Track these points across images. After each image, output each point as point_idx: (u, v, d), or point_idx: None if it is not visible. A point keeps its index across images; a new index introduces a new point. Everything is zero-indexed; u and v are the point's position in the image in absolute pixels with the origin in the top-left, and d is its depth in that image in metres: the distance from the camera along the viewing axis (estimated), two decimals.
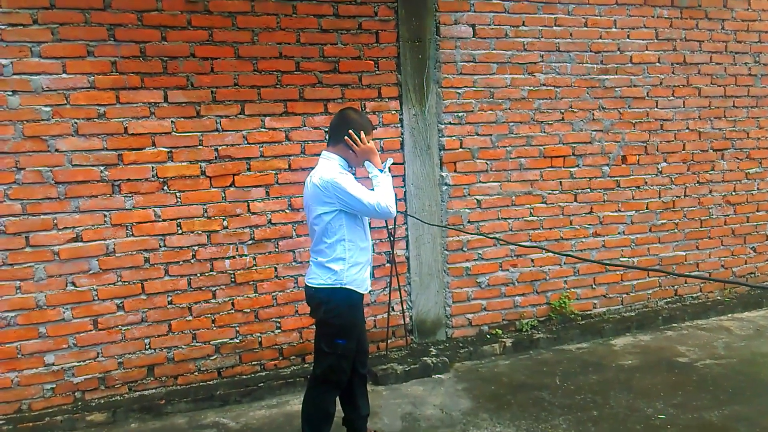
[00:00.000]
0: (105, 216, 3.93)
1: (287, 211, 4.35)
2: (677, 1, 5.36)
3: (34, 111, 3.74)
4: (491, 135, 4.89)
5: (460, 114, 4.79)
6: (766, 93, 5.77)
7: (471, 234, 4.83)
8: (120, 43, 3.89)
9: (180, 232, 4.10)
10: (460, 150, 4.82)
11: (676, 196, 5.55)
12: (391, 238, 4.46)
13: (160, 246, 4.06)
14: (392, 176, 3.18)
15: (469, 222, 4.88)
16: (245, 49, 4.16)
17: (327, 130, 3.13)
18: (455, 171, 4.82)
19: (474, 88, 4.81)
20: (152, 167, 4.01)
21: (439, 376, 4.42)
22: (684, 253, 5.63)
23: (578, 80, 5.10)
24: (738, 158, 5.74)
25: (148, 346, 4.09)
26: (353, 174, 3.11)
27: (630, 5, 5.22)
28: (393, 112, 4.59)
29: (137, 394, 4.08)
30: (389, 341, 4.68)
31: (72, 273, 3.89)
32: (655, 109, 5.39)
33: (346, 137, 3.01)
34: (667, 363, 4.51)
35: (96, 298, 3.95)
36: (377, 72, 4.52)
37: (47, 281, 3.84)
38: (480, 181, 4.90)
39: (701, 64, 5.50)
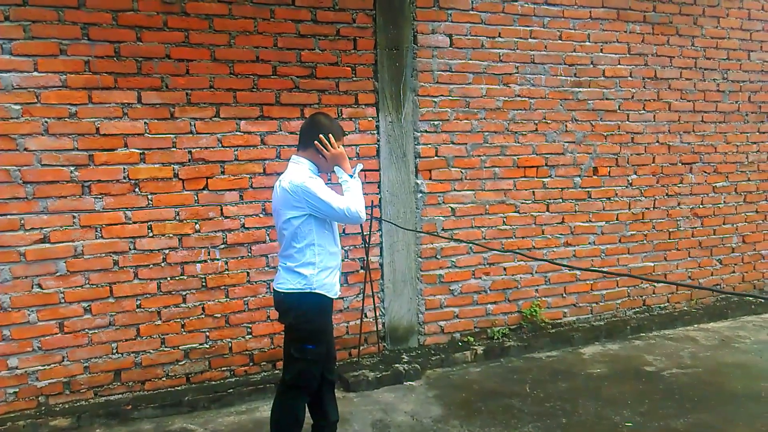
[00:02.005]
0: (74, 217, 3.87)
1: (261, 215, 4.33)
2: (649, 17, 5.48)
3: (4, 109, 3.66)
4: (466, 144, 4.93)
5: (436, 122, 4.82)
6: (733, 109, 5.92)
7: (446, 240, 4.85)
8: (94, 42, 3.84)
9: (151, 234, 4.05)
10: (436, 158, 4.85)
11: (646, 208, 5.66)
12: (366, 245, 4.47)
13: (129, 249, 4.00)
14: (362, 182, 3.18)
15: (443, 229, 4.91)
16: (222, 52, 4.14)
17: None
18: (430, 179, 4.84)
19: (450, 97, 4.85)
20: (124, 168, 3.96)
21: (411, 383, 4.42)
22: (652, 264, 5.74)
23: (552, 92, 5.18)
24: (706, 172, 5.87)
25: (115, 351, 4.02)
26: (329, 179, 3.11)
27: (603, 20, 5.32)
28: (369, 119, 4.61)
29: (103, 399, 4.00)
30: (361, 348, 4.67)
31: (38, 275, 3.81)
32: (627, 122, 5.49)
33: (316, 142, 3.01)
34: (635, 372, 4.58)
35: (63, 300, 3.87)
36: (354, 78, 4.54)
37: (12, 283, 3.75)
38: (455, 190, 4.93)
39: (671, 79, 5.63)
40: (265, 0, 4.22)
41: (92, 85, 3.85)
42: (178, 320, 4.16)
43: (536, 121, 5.15)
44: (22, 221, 3.76)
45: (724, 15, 5.79)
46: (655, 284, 5.75)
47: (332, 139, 3.02)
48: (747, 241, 6.15)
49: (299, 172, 2.99)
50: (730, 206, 6.03)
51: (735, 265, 6.13)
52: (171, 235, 4.10)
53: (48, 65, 3.75)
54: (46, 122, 3.77)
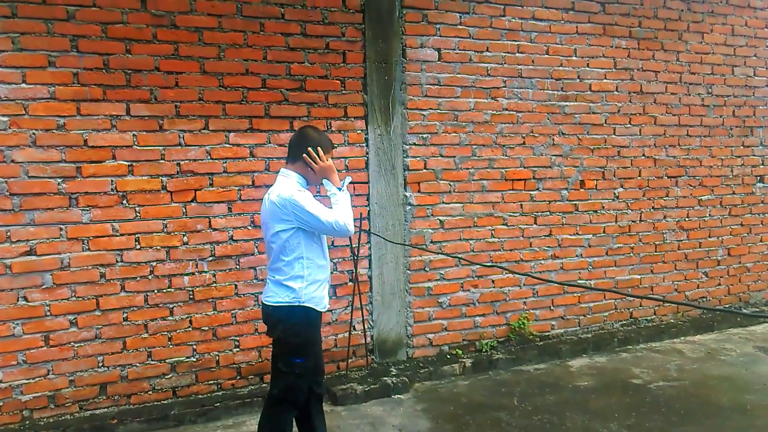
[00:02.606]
0: (61, 229, 3.85)
1: (249, 227, 4.32)
2: (635, 32, 5.56)
3: None
4: (455, 157, 4.96)
5: (424, 135, 4.85)
6: (718, 123, 6.00)
7: (434, 253, 4.86)
8: (83, 54, 3.84)
9: (138, 247, 4.03)
10: (424, 171, 4.87)
11: (632, 221, 5.71)
12: (355, 257, 4.47)
13: (117, 261, 3.98)
14: (351, 195, 3.19)
15: (431, 242, 4.92)
16: (211, 65, 4.15)
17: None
18: (419, 191, 4.86)
19: (438, 111, 4.88)
20: (111, 180, 3.95)
21: (399, 396, 4.42)
22: (639, 277, 5.78)
23: (539, 106, 5.23)
24: (691, 185, 5.93)
25: (101, 364, 3.99)
26: (317, 192, 3.11)
27: (590, 35, 5.39)
28: (359, 132, 4.63)
29: (88, 413, 3.96)
30: (350, 361, 4.66)
31: (24, 287, 3.78)
32: (613, 136, 5.55)
33: (305, 155, 3.02)
34: (622, 384, 4.60)
35: (48, 313, 3.84)
36: (344, 92, 4.56)
37: None
38: (443, 202, 4.95)
39: (657, 93, 5.70)
40: (254, 13, 4.24)
41: (81, 97, 3.84)
42: (165, 333, 4.14)
43: (524, 135, 5.19)
44: (8, 233, 3.73)
45: (708, 31, 5.88)
46: (641, 298, 5.78)
47: (321, 152, 3.03)
48: (732, 254, 6.21)
49: (288, 185, 2.99)
50: (716, 219, 6.09)
51: (721, 277, 6.19)
52: (158, 248, 4.09)
53: (36, 77, 3.74)
54: (34, 134, 3.75)
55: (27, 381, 3.82)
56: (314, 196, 3.05)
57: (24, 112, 3.73)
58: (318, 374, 3.25)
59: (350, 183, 3.30)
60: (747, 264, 6.30)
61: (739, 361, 5.07)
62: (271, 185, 3.11)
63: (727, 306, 6.20)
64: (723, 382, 4.60)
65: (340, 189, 3.07)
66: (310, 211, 2.89)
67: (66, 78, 3.81)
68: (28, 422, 3.82)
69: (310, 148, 3.02)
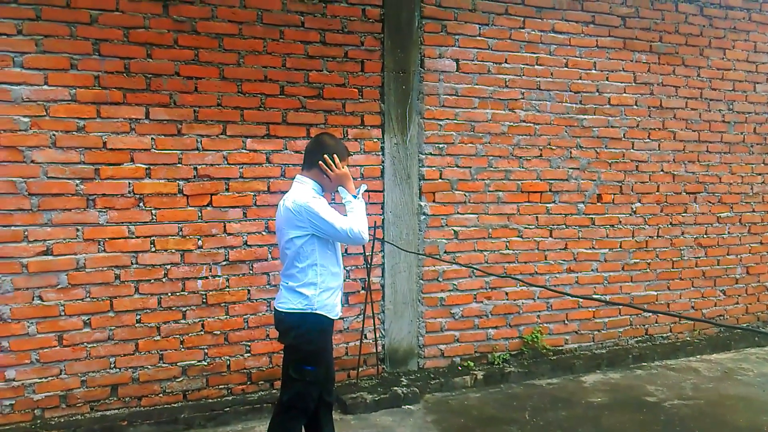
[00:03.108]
0: (77, 230, 3.88)
1: (264, 233, 4.33)
2: (655, 47, 5.52)
3: (12, 121, 3.70)
4: (471, 167, 4.94)
5: (440, 145, 4.84)
6: (738, 140, 5.93)
7: (448, 263, 4.84)
8: (104, 58, 3.88)
9: (153, 249, 4.06)
10: (440, 181, 4.86)
11: (649, 237, 5.64)
12: (368, 266, 4.46)
13: (131, 263, 4.00)
14: (366, 203, 3.18)
15: (445, 252, 4.90)
16: (230, 71, 4.18)
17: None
18: (434, 201, 4.85)
19: (455, 121, 4.87)
20: (129, 183, 3.98)
21: (409, 406, 4.38)
22: (655, 293, 5.70)
23: (557, 118, 5.20)
24: (710, 202, 5.86)
25: (113, 365, 4.00)
26: (332, 199, 3.11)
27: (610, 48, 5.36)
28: (375, 140, 4.63)
29: (99, 414, 3.97)
30: (360, 369, 4.64)
31: (40, 287, 3.81)
32: (631, 151, 5.50)
33: (320, 162, 3.02)
34: (636, 402, 4.53)
35: (63, 313, 3.87)
36: (361, 100, 4.57)
37: (13, 294, 3.75)
38: (458, 213, 4.93)
39: (677, 108, 5.65)
40: (274, 21, 4.28)
41: (101, 100, 3.89)
42: (177, 336, 4.15)
43: (541, 147, 5.17)
44: (26, 233, 3.77)
45: (730, 47, 5.83)
46: (658, 314, 5.71)
47: (337, 160, 3.03)
48: (751, 272, 6.11)
49: (303, 191, 2.99)
50: (735, 237, 6.01)
51: (738, 296, 6.09)
52: (173, 251, 4.11)
53: (58, 79, 3.79)
54: (54, 135, 3.80)
55: (39, 380, 3.85)
56: (329, 204, 3.05)
57: (45, 113, 3.77)
58: (329, 382, 3.23)
59: (365, 191, 3.29)
60: (766, 283, 6.19)
61: (756, 382, 4.97)
62: (287, 191, 3.12)
63: (746, 325, 6.10)
64: (739, 403, 4.52)
65: (355, 197, 3.06)
66: (324, 218, 2.89)
67: (87, 81, 3.85)
68: (39, 421, 3.84)
69: (326, 156, 3.02)
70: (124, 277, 4.00)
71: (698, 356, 5.62)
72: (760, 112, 6.00)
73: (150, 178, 4.03)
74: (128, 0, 3.91)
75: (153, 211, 4.05)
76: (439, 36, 4.79)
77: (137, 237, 4.01)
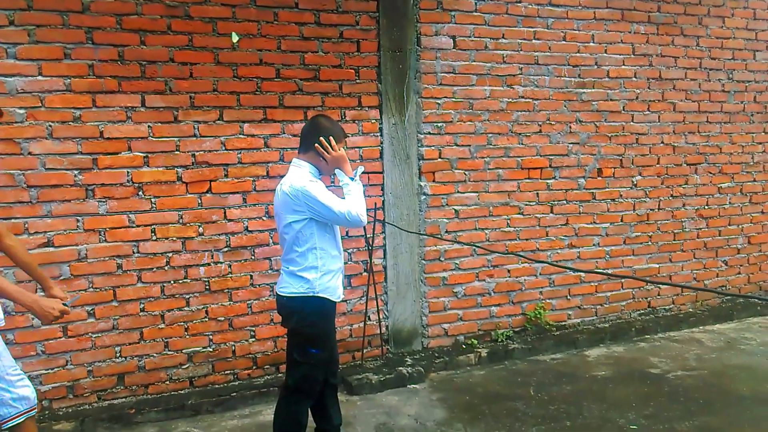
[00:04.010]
0: (78, 221, 3.87)
1: (264, 218, 4.33)
2: (654, 17, 5.46)
3: (8, 113, 3.66)
4: (470, 146, 4.92)
5: (439, 124, 4.81)
6: (738, 109, 5.89)
7: (449, 242, 4.84)
8: (98, 46, 3.84)
9: (154, 238, 4.05)
10: (439, 160, 4.84)
11: (650, 209, 5.63)
12: (369, 247, 4.46)
13: (133, 252, 4.01)
14: (364, 185, 3.17)
15: (447, 232, 4.89)
16: (225, 55, 4.14)
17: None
18: (434, 181, 4.83)
19: (453, 99, 4.84)
20: (127, 172, 3.96)
21: (415, 386, 4.42)
22: (657, 266, 5.71)
23: (556, 93, 5.16)
24: (711, 173, 5.84)
25: (118, 354, 4.03)
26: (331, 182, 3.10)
27: (608, 20, 5.30)
28: (373, 121, 4.60)
29: (106, 404, 4.00)
30: (365, 351, 4.67)
31: None
32: (631, 123, 5.47)
33: (317, 145, 3.00)
34: (640, 374, 4.56)
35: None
36: (358, 81, 4.53)
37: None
38: (458, 192, 4.92)
39: (676, 79, 5.60)
40: (268, 3, 4.22)
41: (96, 89, 3.86)
42: (182, 324, 4.17)
43: (540, 123, 5.13)
44: (26, 225, 3.76)
45: (729, 15, 5.76)
46: (660, 286, 5.72)
47: (333, 142, 3.01)
48: (753, 242, 6.11)
49: (300, 175, 2.98)
50: (736, 207, 6.00)
51: (740, 266, 6.09)
52: (174, 239, 4.10)
53: (52, 69, 3.76)
54: (51, 126, 3.77)
55: (46, 371, 3.87)
56: (327, 187, 3.03)
57: (40, 104, 3.74)
58: (333, 364, 3.25)
59: (363, 173, 3.27)
60: (767, 252, 6.20)
61: (759, 351, 5.00)
62: (284, 175, 3.10)
63: (749, 294, 6.11)
64: (742, 372, 4.54)
65: (352, 179, 3.04)
66: (322, 201, 2.88)
67: (81, 70, 3.82)
68: (47, 412, 3.87)
69: (322, 138, 2.99)
70: (126, 267, 4.00)
71: (701, 327, 5.64)
72: (760, 80, 5.95)
73: (148, 166, 4.01)
74: None
75: (153, 200, 4.04)
76: (435, 13, 4.73)
77: (138, 226, 4.01)
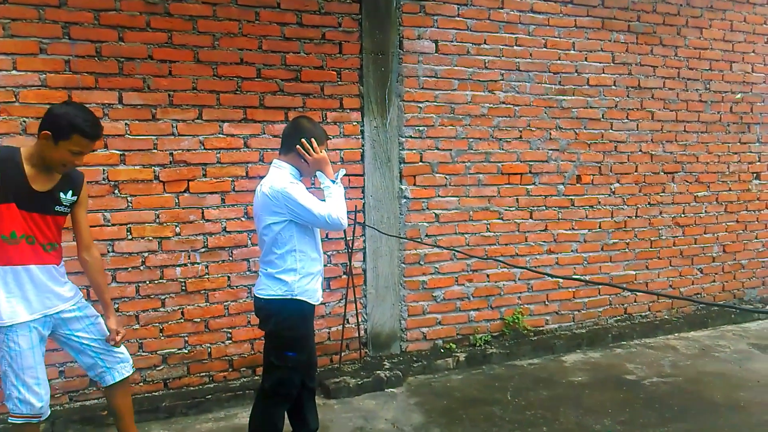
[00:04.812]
0: None
1: (243, 219, 4.28)
2: (633, 26, 5.53)
3: None
4: (451, 150, 4.92)
5: (420, 128, 4.81)
6: (715, 119, 5.98)
7: (429, 246, 4.84)
8: (75, 41, 3.78)
9: (130, 237, 3.99)
10: (420, 164, 4.83)
11: (628, 217, 5.69)
12: (349, 250, 4.44)
13: (108, 251, 3.93)
14: (345, 187, 3.14)
15: (427, 235, 4.89)
16: (205, 54, 4.10)
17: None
18: (414, 184, 4.83)
19: (435, 103, 4.84)
20: (103, 170, 3.89)
21: (392, 390, 4.39)
22: (634, 272, 5.76)
23: (537, 100, 5.19)
24: (687, 181, 5.91)
25: None
26: (312, 184, 3.07)
27: (588, 29, 5.35)
28: (354, 124, 4.58)
29: (78, 405, 3.92)
30: (343, 354, 4.64)
31: None
32: (610, 131, 5.52)
33: (298, 146, 2.97)
34: (616, 380, 4.59)
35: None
36: (340, 83, 4.51)
37: None
38: (439, 195, 4.92)
39: (655, 88, 5.67)
40: (250, 2, 4.19)
41: (72, 85, 3.79)
42: (157, 325, 4.10)
43: (521, 128, 5.16)
44: None
45: (707, 26, 5.85)
46: (636, 293, 5.77)
47: (314, 144, 2.98)
48: (728, 250, 6.20)
49: (280, 176, 2.94)
50: (711, 216, 6.08)
51: (716, 274, 6.18)
52: (150, 238, 4.04)
53: (27, 64, 3.68)
54: (25, 122, 3.70)
55: None
56: (308, 189, 3.00)
57: (14, 99, 3.67)
58: (311, 368, 3.22)
59: (345, 175, 3.25)
60: (742, 261, 6.30)
61: (732, 358, 5.06)
62: (264, 176, 3.07)
63: (723, 302, 6.20)
64: (717, 379, 4.59)
65: (333, 181, 3.01)
66: (302, 203, 2.84)
67: (57, 65, 3.75)
68: None
69: (303, 140, 2.96)
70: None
71: (676, 334, 5.70)
72: (736, 91, 6.05)
73: (125, 164, 3.95)
74: None
75: (129, 198, 3.97)
76: (418, 17, 4.73)
77: (113, 225, 3.94)
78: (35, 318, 2.76)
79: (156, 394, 4.10)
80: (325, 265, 3.89)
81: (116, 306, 3.97)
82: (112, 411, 3.16)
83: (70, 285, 2.97)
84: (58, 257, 2.91)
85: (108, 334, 3.01)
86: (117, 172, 3.93)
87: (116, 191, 3.93)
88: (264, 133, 4.30)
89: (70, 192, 2.87)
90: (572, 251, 5.48)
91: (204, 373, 4.26)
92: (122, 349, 3.08)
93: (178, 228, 4.11)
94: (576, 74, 5.33)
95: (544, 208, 5.32)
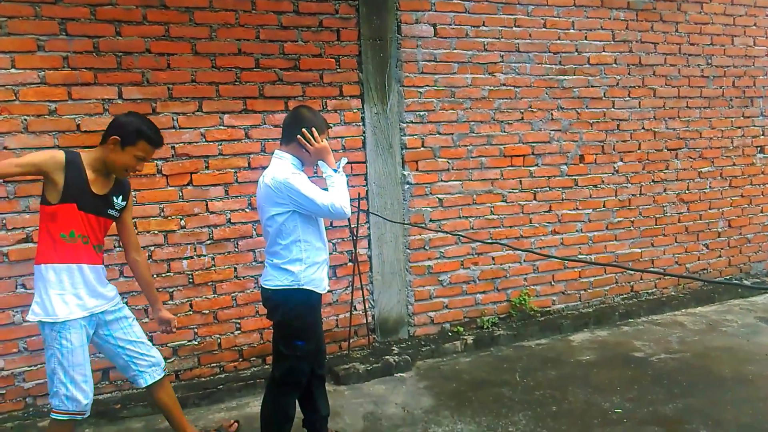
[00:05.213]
0: None
1: (247, 210, 4.29)
2: (633, 3, 5.48)
3: None
4: (453, 134, 4.91)
5: (421, 113, 4.80)
6: (717, 94, 5.94)
7: (434, 231, 4.84)
8: (72, 37, 3.77)
9: (135, 232, 3.98)
10: (422, 149, 4.83)
11: (632, 195, 5.68)
12: (354, 237, 4.45)
13: (114, 246, 3.95)
14: (347, 175, 3.14)
15: (431, 220, 4.89)
16: (203, 45, 4.09)
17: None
18: (417, 170, 4.82)
19: (435, 88, 4.82)
20: None
21: (402, 374, 4.43)
22: (639, 250, 5.76)
23: (537, 80, 5.17)
24: (691, 158, 5.89)
25: None
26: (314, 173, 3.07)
27: (587, 7, 5.30)
28: (355, 111, 4.57)
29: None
30: (351, 341, 4.67)
31: (22, 275, 3.75)
32: (612, 110, 5.49)
33: (299, 136, 2.96)
34: (624, 358, 4.61)
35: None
36: (339, 70, 4.50)
37: None
38: (442, 180, 4.92)
39: (656, 65, 5.63)
40: None
41: (71, 81, 3.79)
42: None
43: (522, 110, 5.14)
44: (4, 221, 3.70)
45: (707, 0, 5.79)
46: (635, 272, 5.77)
47: (315, 133, 2.97)
48: (733, 225, 6.19)
49: (282, 167, 2.94)
50: (716, 191, 6.06)
51: (721, 249, 6.18)
52: (156, 232, 4.06)
53: (25, 62, 3.68)
54: (26, 120, 3.71)
55: (29, 368, 3.83)
56: (310, 178, 3.00)
57: (14, 97, 3.67)
58: (320, 355, 3.24)
59: (347, 163, 3.24)
60: (747, 235, 6.29)
61: (740, 332, 5.07)
62: (267, 167, 3.07)
63: (728, 278, 6.21)
64: (724, 354, 4.61)
65: (335, 170, 3.00)
66: (305, 193, 2.84)
67: (56, 62, 3.75)
68: (31, 409, 3.83)
69: (304, 129, 2.95)
70: (107, 261, 3.93)
71: (683, 310, 5.71)
72: (738, 65, 6.00)
73: None
74: None
75: (133, 193, 3.97)
76: (415, 1, 4.70)
77: None
78: (85, 316, 2.86)
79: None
80: (330, 254, 3.89)
81: (125, 300, 3.98)
82: (158, 406, 3.27)
83: (111, 286, 3.07)
84: (102, 259, 3.04)
85: (142, 336, 3.15)
86: None
87: None
88: (265, 124, 4.30)
89: (121, 197, 3.03)
90: (577, 231, 5.48)
91: (215, 364, 4.30)
92: (154, 351, 3.18)
93: (183, 221, 4.12)
94: (576, 53, 5.30)
95: (547, 189, 5.31)
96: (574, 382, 4.20)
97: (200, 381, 4.22)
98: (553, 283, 5.43)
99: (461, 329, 5.02)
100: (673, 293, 5.94)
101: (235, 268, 4.30)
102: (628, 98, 5.55)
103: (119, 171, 2.92)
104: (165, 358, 4.09)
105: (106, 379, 4.01)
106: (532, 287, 5.34)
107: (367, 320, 4.70)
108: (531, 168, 5.23)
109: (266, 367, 4.36)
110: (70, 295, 2.81)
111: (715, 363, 4.44)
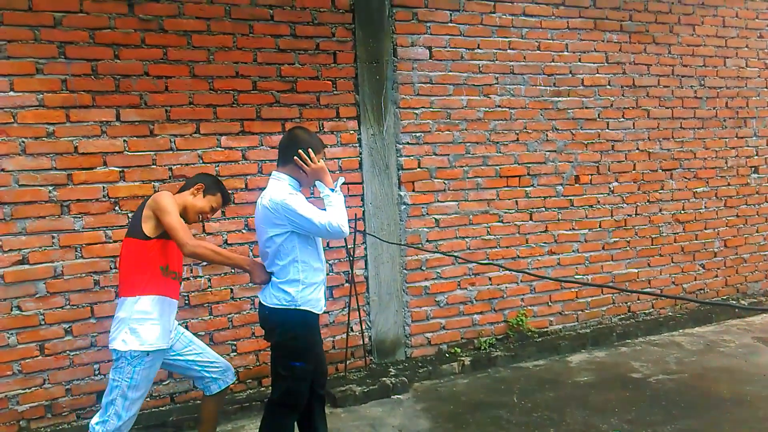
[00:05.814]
0: (53, 237, 3.81)
1: (244, 231, 4.30)
2: (626, 26, 5.55)
3: None
4: (449, 155, 4.94)
5: (417, 134, 4.83)
6: (711, 115, 5.99)
7: (431, 252, 4.85)
8: (71, 60, 3.81)
9: None
10: (418, 170, 4.85)
11: (628, 215, 5.70)
12: (350, 258, 4.45)
13: (110, 268, 3.95)
14: (344, 195, 3.16)
15: (427, 241, 4.90)
16: (201, 68, 4.13)
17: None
18: (413, 190, 4.84)
19: (431, 109, 4.86)
20: (103, 187, 3.91)
21: (399, 396, 4.40)
22: (636, 270, 5.77)
23: (532, 102, 5.22)
24: (686, 178, 5.93)
25: (97, 372, 3.96)
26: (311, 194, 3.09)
27: (581, 30, 5.38)
28: (351, 132, 4.61)
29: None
30: (348, 362, 4.64)
31: (18, 297, 3.75)
32: (606, 131, 5.54)
33: (296, 157, 2.98)
34: (622, 379, 4.59)
35: (43, 322, 3.81)
36: (335, 92, 4.54)
37: None
38: (438, 201, 4.94)
39: (649, 87, 5.70)
40: (243, 15, 4.22)
41: (70, 104, 3.81)
42: None
43: (517, 131, 5.18)
44: (1, 243, 3.70)
45: (699, 23, 5.87)
46: (631, 293, 5.77)
47: (312, 154, 2.99)
48: (729, 245, 6.21)
49: (280, 188, 2.96)
50: (711, 211, 6.09)
51: (718, 269, 6.18)
52: None
53: (24, 84, 3.71)
54: (23, 142, 3.72)
55: (23, 391, 3.79)
56: (307, 199, 3.02)
57: (12, 120, 3.69)
58: (320, 376, 3.22)
59: (343, 184, 3.26)
60: (744, 255, 6.30)
61: (738, 353, 5.06)
62: (265, 188, 3.08)
63: (724, 298, 6.21)
64: (722, 374, 4.59)
65: (333, 190, 3.02)
66: (303, 214, 2.86)
67: (54, 85, 3.78)
68: None
69: (300, 150, 2.98)
70: (103, 283, 3.94)
71: (681, 330, 5.70)
72: (731, 86, 6.07)
73: (124, 180, 3.97)
74: (92, 0, 3.83)
75: (129, 215, 3.99)
76: (411, 24, 4.76)
77: (115, 241, 3.95)
78: (165, 348, 3.01)
79: (163, 408, 4.11)
80: (327, 274, 3.89)
81: None
82: (202, 414, 3.36)
83: None
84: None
85: (204, 346, 3.28)
86: (117, 188, 3.95)
87: (117, 208, 3.95)
88: (262, 145, 4.32)
89: None
90: (573, 251, 5.49)
91: None
92: (218, 357, 3.30)
93: None
94: (570, 75, 5.36)
95: (543, 209, 5.33)
96: (572, 403, 4.18)
97: (195, 404, 4.17)
98: (550, 303, 5.43)
99: (458, 350, 5.00)
100: (670, 313, 5.94)
101: (232, 290, 4.29)
102: (622, 119, 5.60)
103: (193, 214, 3.14)
104: (160, 381, 4.12)
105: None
106: (529, 308, 5.33)
107: (363, 341, 4.68)
108: (527, 188, 5.25)
109: (262, 389, 4.33)
110: (161, 326, 2.94)
111: (713, 384, 4.42)
